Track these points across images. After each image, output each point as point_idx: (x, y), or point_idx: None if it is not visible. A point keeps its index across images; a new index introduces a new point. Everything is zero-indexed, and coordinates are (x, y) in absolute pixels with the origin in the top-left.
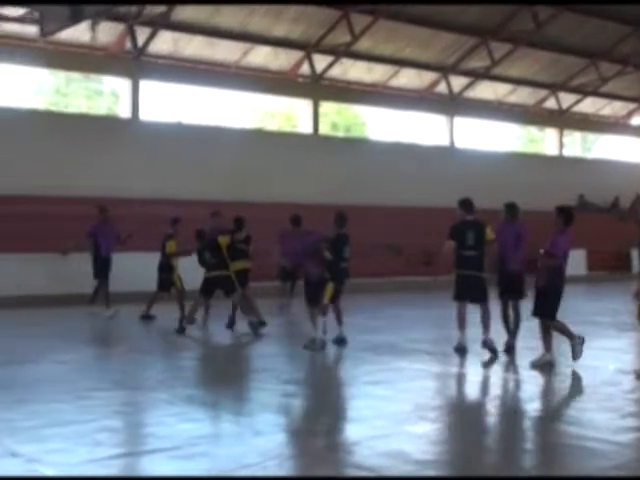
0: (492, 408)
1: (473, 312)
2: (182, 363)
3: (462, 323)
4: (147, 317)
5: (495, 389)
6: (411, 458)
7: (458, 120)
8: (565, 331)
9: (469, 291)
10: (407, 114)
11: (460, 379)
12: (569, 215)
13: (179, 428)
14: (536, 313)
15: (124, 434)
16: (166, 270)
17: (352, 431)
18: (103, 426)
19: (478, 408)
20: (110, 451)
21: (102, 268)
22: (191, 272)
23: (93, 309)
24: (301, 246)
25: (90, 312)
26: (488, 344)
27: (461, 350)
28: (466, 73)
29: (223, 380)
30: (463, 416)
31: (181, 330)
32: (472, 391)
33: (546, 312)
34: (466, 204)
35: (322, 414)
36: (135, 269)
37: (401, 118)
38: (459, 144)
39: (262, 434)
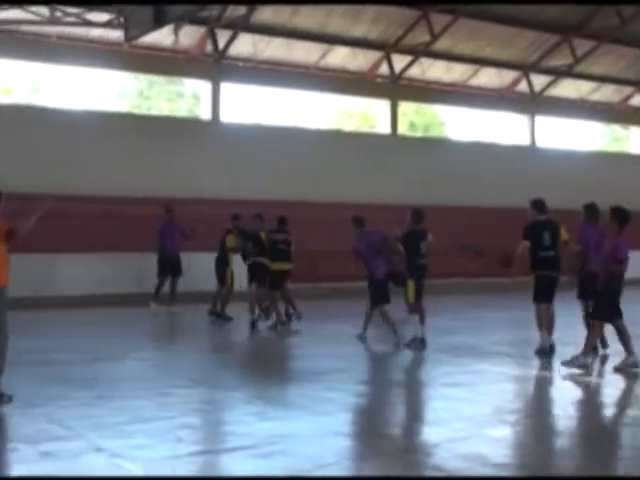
0: (572, 412)
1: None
2: (258, 362)
3: (543, 324)
4: (217, 315)
5: (576, 392)
6: (489, 461)
7: (539, 119)
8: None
9: (548, 292)
10: (487, 113)
11: (540, 382)
12: (624, 216)
13: (257, 427)
14: (593, 315)
15: (204, 432)
16: (222, 264)
17: (431, 433)
18: (183, 423)
19: (558, 412)
20: (190, 448)
21: (168, 267)
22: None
23: (172, 308)
24: (366, 245)
25: (169, 311)
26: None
27: (543, 352)
28: (548, 71)
29: (300, 379)
30: (543, 420)
31: (283, 323)
32: (552, 394)
33: (602, 315)
34: (538, 204)
35: (400, 415)
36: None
37: (481, 117)
38: (540, 143)
39: (340, 434)
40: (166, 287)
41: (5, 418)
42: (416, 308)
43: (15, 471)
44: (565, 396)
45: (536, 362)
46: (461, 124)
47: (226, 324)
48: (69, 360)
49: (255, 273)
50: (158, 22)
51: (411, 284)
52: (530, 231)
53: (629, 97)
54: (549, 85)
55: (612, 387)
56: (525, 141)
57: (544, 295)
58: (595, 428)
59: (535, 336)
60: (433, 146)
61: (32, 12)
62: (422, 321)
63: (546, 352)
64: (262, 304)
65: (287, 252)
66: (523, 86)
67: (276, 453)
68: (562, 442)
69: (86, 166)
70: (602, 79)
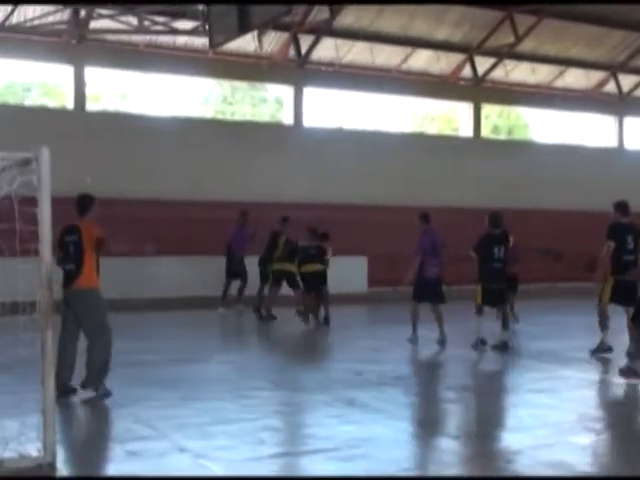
0: None
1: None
2: (337, 365)
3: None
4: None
5: None
6: (574, 469)
7: (628, 120)
8: None
9: (626, 296)
10: (573, 115)
11: (627, 389)
12: None
13: (339, 430)
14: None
15: (285, 434)
16: (264, 263)
17: (514, 439)
18: (265, 425)
19: None
20: (272, 450)
21: (235, 269)
22: None
23: (239, 308)
24: (430, 243)
25: (239, 312)
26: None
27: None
28: (637, 71)
29: (380, 383)
30: (628, 428)
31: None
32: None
33: None
34: (622, 206)
35: (484, 421)
36: None
37: (566, 119)
38: (629, 145)
39: (421, 439)
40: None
41: (96, 418)
42: (480, 310)
43: (104, 470)
44: None
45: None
46: (546, 126)
47: (302, 326)
48: (154, 361)
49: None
50: (242, 29)
51: (479, 287)
52: (613, 232)
53: None
54: (638, 85)
55: None
56: (612, 143)
57: (625, 299)
58: None
59: (621, 341)
60: (517, 149)
61: (121, 22)
62: (504, 326)
63: (609, 350)
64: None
65: (318, 256)
66: (611, 87)
67: (357, 456)
68: None
69: (171, 171)
70: None
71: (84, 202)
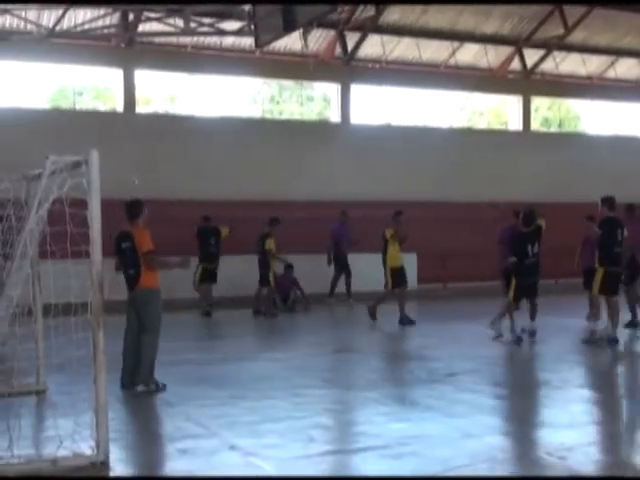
0: None
1: None
2: (388, 362)
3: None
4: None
5: None
6: (629, 468)
7: None
8: None
9: (614, 286)
10: (626, 106)
11: None
12: None
13: (389, 427)
14: None
15: (335, 431)
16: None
17: (566, 436)
18: (315, 423)
19: None
20: (322, 447)
21: (342, 266)
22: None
23: (349, 302)
24: (508, 236)
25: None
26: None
27: (613, 342)
28: None
29: (431, 380)
30: None
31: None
32: None
33: None
34: (610, 201)
35: (534, 418)
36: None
37: (618, 110)
38: None
39: (473, 436)
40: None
41: (148, 416)
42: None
43: (156, 468)
44: None
45: None
46: (598, 118)
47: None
48: (202, 360)
49: None
50: (288, 27)
51: (513, 282)
52: (606, 225)
53: None
54: None
55: None
56: None
57: (615, 288)
58: None
59: None
60: (568, 141)
61: (168, 24)
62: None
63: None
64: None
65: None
66: None
67: (407, 454)
68: None
69: (221, 171)
70: None
71: (134, 207)
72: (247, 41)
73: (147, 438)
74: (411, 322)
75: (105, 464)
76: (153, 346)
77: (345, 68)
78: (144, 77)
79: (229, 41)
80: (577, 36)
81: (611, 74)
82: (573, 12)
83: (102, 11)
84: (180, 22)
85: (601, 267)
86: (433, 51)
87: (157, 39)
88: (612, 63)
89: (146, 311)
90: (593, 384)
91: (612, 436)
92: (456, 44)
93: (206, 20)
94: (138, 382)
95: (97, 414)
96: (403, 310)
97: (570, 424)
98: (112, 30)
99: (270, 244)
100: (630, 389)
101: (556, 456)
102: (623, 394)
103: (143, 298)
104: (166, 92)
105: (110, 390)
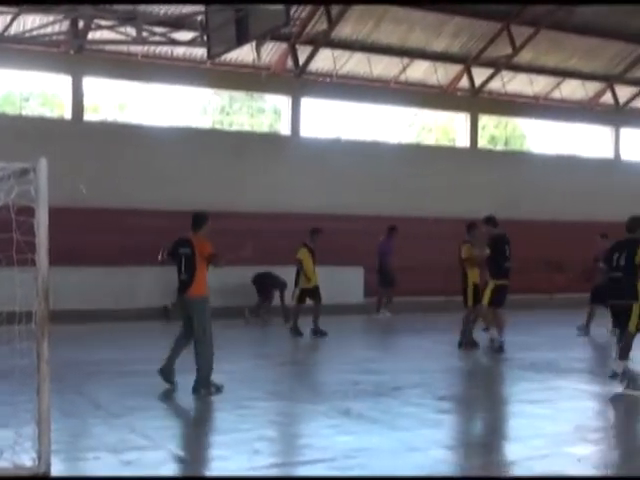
0: None
1: None
2: (338, 376)
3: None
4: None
5: None
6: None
7: (624, 131)
8: None
9: (503, 299)
10: (570, 126)
11: (623, 400)
12: None
13: (335, 440)
14: None
15: (281, 444)
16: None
17: (509, 450)
18: (261, 435)
19: None
20: (268, 460)
21: (388, 280)
22: None
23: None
24: None
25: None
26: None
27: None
28: (633, 82)
29: (378, 394)
30: (625, 439)
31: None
32: (635, 412)
33: None
34: (493, 220)
35: (478, 432)
36: None
37: (563, 130)
38: (625, 156)
39: (418, 449)
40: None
41: (92, 428)
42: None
43: None
44: None
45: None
46: (543, 137)
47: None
48: (149, 371)
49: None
50: (240, 40)
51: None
52: (494, 243)
53: None
54: (635, 96)
55: None
56: (609, 154)
57: (502, 301)
58: None
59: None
60: (513, 159)
61: (119, 32)
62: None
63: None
64: None
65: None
66: (608, 97)
67: (354, 467)
68: None
69: (169, 181)
70: None
71: (199, 219)
72: (199, 51)
73: (90, 450)
74: (323, 334)
75: (46, 476)
76: (209, 353)
77: (296, 81)
78: (93, 84)
79: (180, 51)
80: (525, 56)
81: (557, 94)
82: (521, 32)
83: (52, 17)
84: (132, 31)
85: (492, 281)
86: (384, 67)
87: (107, 47)
88: (558, 84)
89: (198, 318)
90: (537, 398)
91: (556, 450)
92: (406, 60)
93: (158, 30)
94: (200, 389)
95: (39, 425)
96: (316, 322)
97: (512, 438)
98: (61, 37)
99: (303, 255)
100: (567, 403)
101: (499, 470)
102: (567, 408)
103: (195, 305)
104: (115, 100)
105: (53, 401)
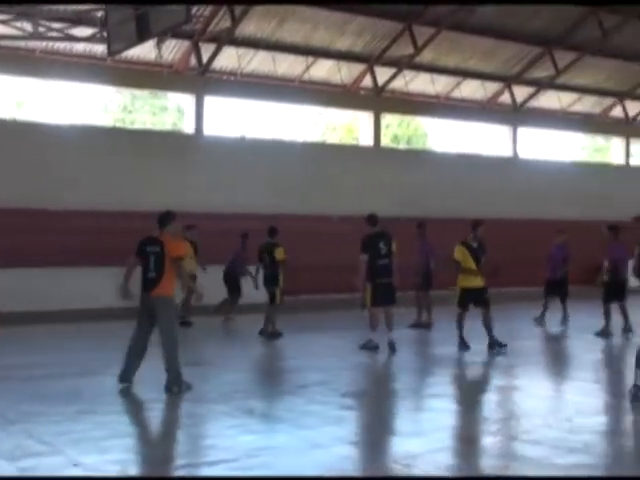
0: (553, 421)
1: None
2: (242, 375)
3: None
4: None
5: (557, 403)
6: (469, 472)
7: (522, 130)
8: None
9: (386, 297)
10: (470, 125)
11: (522, 392)
12: None
13: (239, 440)
14: None
15: (185, 445)
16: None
17: (411, 444)
18: (164, 438)
19: (539, 421)
20: (172, 462)
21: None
22: None
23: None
24: None
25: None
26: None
27: (372, 348)
28: (530, 83)
29: (283, 392)
30: (523, 429)
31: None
32: (533, 404)
33: None
34: (372, 219)
35: (381, 427)
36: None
37: (464, 129)
38: (523, 155)
39: (321, 447)
40: None
41: None
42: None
43: None
44: (547, 405)
45: (518, 372)
46: (444, 136)
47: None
48: (50, 375)
49: None
50: (141, 36)
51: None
52: (367, 242)
53: (610, 108)
54: (531, 97)
55: (594, 397)
56: (507, 152)
57: (387, 298)
58: (577, 438)
59: (516, 345)
60: (416, 158)
61: (16, 27)
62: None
63: (375, 348)
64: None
65: None
66: (506, 98)
67: (257, 466)
68: (542, 452)
69: (70, 180)
70: (583, 90)
71: (166, 217)
72: (99, 48)
73: None
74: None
75: None
76: (177, 352)
77: (200, 79)
78: None
79: (80, 47)
80: (426, 56)
81: (457, 94)
82: (422, 33)
83: None
84: (28, 26)
85: (369, 282)
86: (288, 65)
87: (3, 42)
88: (458, 84)
89: (165, 318)
90: (440, 392)
91: (458, 442)
92: (310, 59)
93: (56, 25)
94: (172, 387)
95: None
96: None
97: (416, 432)
98: None
99: (281, 255)
100: (469, 397)
101: (402, 464)
102: (470, 402)
103: (161, 305)
104: (13, 97)
105: None
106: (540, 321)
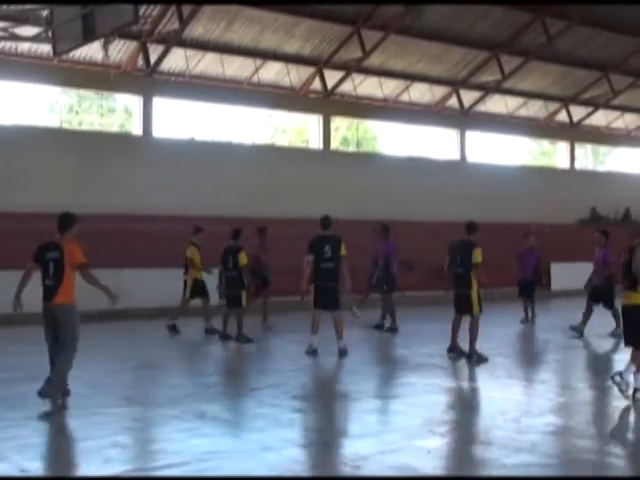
0: (502, 422)
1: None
2: (193, 379)
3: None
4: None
5: (505, 403)
6: (419, 472)
7: (469, 134)
8: None
9: (326, 299)
10: (418, 128)
11: (472, 394)
12: None
13: (189, 444)
14: None
15: (134, 450)
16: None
17: (361, 446)
18: (114, 442)
19: (487, 422)
20: (120, 467)
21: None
22: None
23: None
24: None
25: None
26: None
27: (313, 353)
28: (477, 87)
29: (232, 395)
30: (473, 431)
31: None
32: (483, 406)
33: None
34: (324, 221)
35: (331, 429)
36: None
37: (412, 132)
38: (470, 158)
39: (272, 449)
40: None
41: None
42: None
43: None
44: (494, 407)
45: (467, 373)
46: (393, 139)
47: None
48: (2, 379)
49: None
50: (87, 37)
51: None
52: (311, 245)
53: (555, 113)
54: (478, 101)
55: (543, 397)
56: (455, 156)
57: (328, 302)
58: (524, 438)
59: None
60: (365, 161)
61: None
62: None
63: (313, 353)
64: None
65: None
66: (453, 101)
67: (207, 470)
68: (491, 452)
69: (14, 182)
70: (529, 95)
71: (66, 220)
72: (45, 47)
73: None
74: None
75: None
76: (69, 362)
77: (148, 80)
78: None
79: (25, 46)
80: (374, 60)
81: (405, 98)
82: (371, 36)
83: None
84: None
85: (310, 284)
86: (237, 67)
87: None
88: (406, 87)
89: (65, 326)
90: (390, 394)
91: (408, 443)
92: (259, 62)
93: (0, 24)
94: (49, 394)
95: None
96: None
97: (365, 434)
98: None
99: (244, 259)
100: (419, 398)
101: (352, 465)
102: (418, 403)
103: (61, 313)
104: None
105: None
106: (525, 321)
